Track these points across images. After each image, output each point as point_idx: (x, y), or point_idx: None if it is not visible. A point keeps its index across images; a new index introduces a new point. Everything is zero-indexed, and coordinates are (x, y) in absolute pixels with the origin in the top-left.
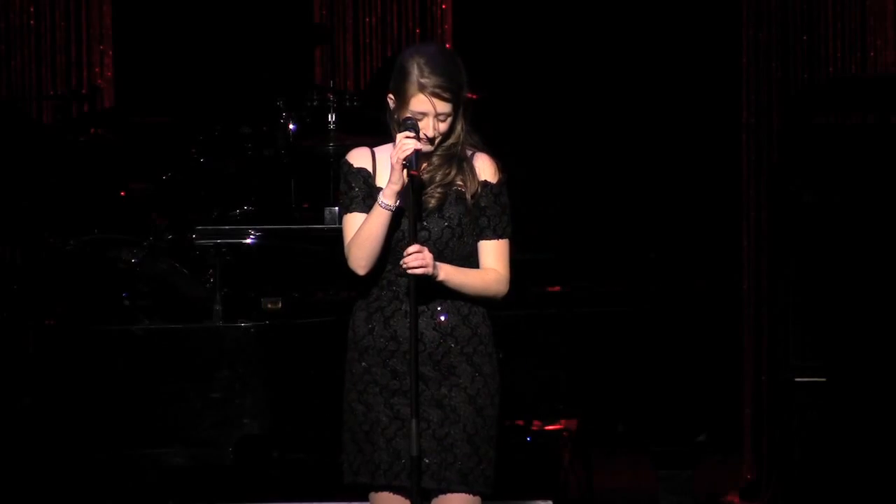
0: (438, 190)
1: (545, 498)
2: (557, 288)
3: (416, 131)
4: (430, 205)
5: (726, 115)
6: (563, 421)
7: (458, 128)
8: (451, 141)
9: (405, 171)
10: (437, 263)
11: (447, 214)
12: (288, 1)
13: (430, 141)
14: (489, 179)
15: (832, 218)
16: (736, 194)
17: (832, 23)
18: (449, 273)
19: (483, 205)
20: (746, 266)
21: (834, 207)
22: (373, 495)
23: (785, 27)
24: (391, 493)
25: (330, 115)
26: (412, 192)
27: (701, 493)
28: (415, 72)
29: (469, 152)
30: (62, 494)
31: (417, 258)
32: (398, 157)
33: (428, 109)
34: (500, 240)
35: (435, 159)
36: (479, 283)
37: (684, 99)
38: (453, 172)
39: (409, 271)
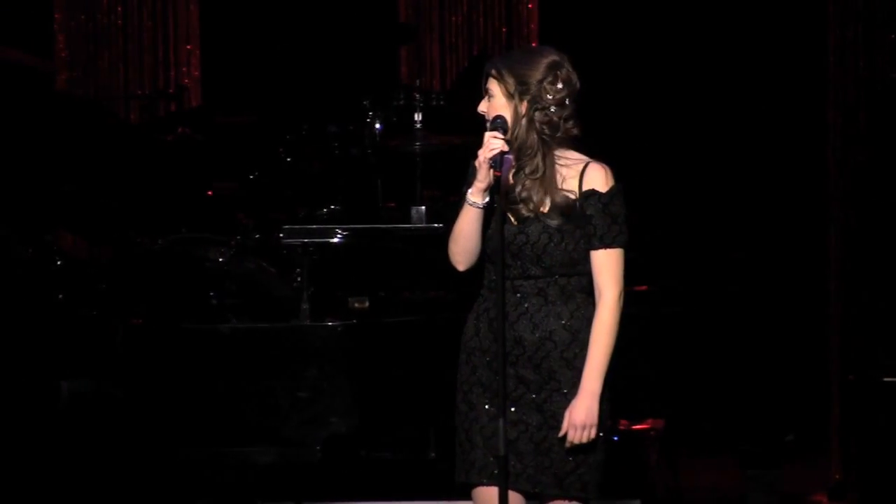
0: (519, 198)
1: (633, 497)
2: (644, 287)
3: (505, 131)
4: (522, 211)
5: (812, 114)
6: (649, 420)
7: (519, 135)
8: (523, 151)
9: (490, 170)
10: (581, 401)
11: (547, 219)
12: (374, 0)
13: (501, 126)
14: (597, 188)
15: None
16: (822, 193)
17: None
18: (594, 384)
19: (590, 213)
20: (833, 265)
21: None
22: (472, 493)
23: (871, 25)
24: (485, 489)
25: (416, 115)
26: (497, 192)
27: (788, 493)
28: None
29: (582, 163)
30: (151, 492)
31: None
32: (484, 157)
33: (485, 84)
34: (609, 249)
35: (520, 172)
36: (607, 347)
37: (770, 98)
38: (527, 183)
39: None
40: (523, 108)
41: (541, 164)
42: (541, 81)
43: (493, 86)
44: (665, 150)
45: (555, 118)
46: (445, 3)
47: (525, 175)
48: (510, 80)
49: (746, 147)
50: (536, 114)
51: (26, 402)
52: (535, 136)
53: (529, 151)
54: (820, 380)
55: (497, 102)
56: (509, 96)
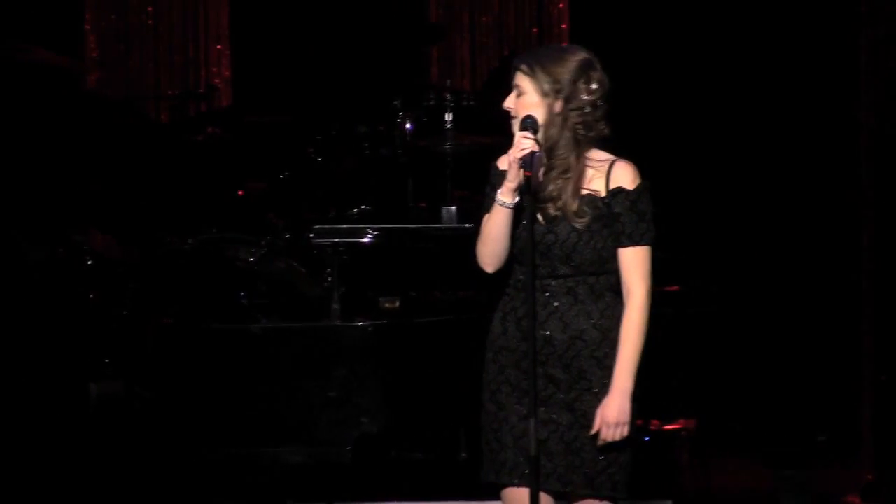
0: (548, 198)
1: (664, 498)
2: (674, 287)
3: (535, 131)
4: (550, 210)
5: (844, 113)
6: (681, 421)
7: (551, 134)
8: (555, 150)
9: (521, 170)
10: (613, 399)
11: (575, 218)
12: (404, 0)
13: (531, 126)
14: (625, 186)
15: None
16: (855, 192)
17: None
18: (625, 382)
19: (617, 211)
20: (866, 265)
21: None
22: (501, 493)
23: None
24: (516, 490)
25: (446, 115)
26: (527, 192)
27: (820, 493)
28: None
29: (608, 161)
30: (181, 492)
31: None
32: (514, 157)
33: (513, 81)
34: (637, 247)
35: (551, 172)
36: (637, 345)
37: (803, 97)
38: (558, 183)
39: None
40: (558, 106)
41: (574, 164)
42: (575, 81)
43: (525, 83)
44: (697, 149)
45: (589, 118)
46: (476, 4)
47: (557, 174)
48: (544, 79)
49: (778, 146)
50: (572, 113)
51: (55, 404)
52: (570, 135)
53: (562, 151)
54: (852, 380)
55: (528, 100)
56: (543, 95)
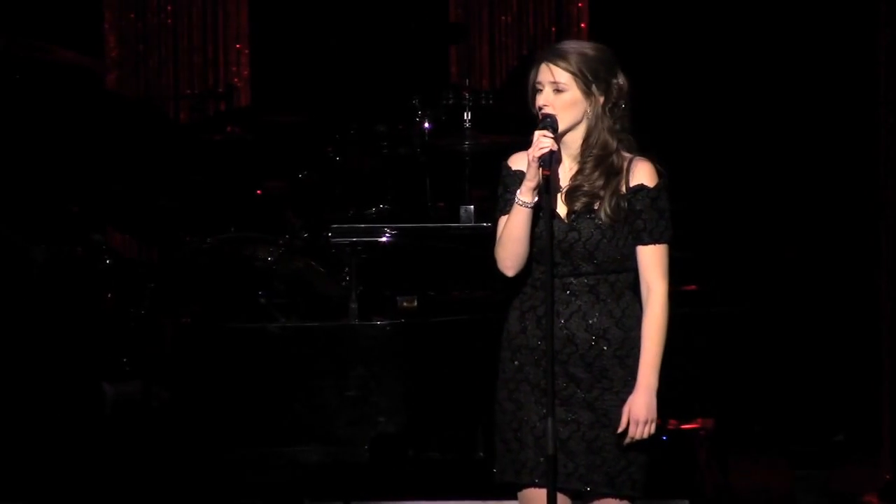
0: (585, 196)
1: (681, 497)
2: (693, 287)
3: (555, 130)
4: (577, 207)
5: (864, 113)
6: (699, 420)
7: (596, 132)
8: (594, 147)
9: (540, 169)
10: (640, 396)
11: (598, 216)
12: (424, 0)
13: (550, 125)
14: (646, 183)
15: None
16: (874, 192)
17: None
18: (651, 378)
19: (639, 208)
20: (885, 264)
21: None
22: (520, 493)
23: None
24: (536, 490)
25: (465, 114)
26: (545, 191)
27: (838, 493)
28: (540, 52)
29: (628, 158)
30: (198, 491)
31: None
32: (533, 155)
33: (544, 78)
34: (657, 245)
35: (586, 168)
36: (660, 342)
37: (822, 97)
38: (600, 181)
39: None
40: (601, 102)
41: (616, 161)
42: (612, 75)
43: (564, 78)
44: (716, 148)
45: (622, 113)
46: (495, 3)
47: (600, 172)
48: (587, 75)
49: (798, 145)
50: (612, 110)
51: (68, 403)
52: (612, 130)
53: (603, 149)
54: (871, 379)
55: (570, 97)
56: (586, 91)
